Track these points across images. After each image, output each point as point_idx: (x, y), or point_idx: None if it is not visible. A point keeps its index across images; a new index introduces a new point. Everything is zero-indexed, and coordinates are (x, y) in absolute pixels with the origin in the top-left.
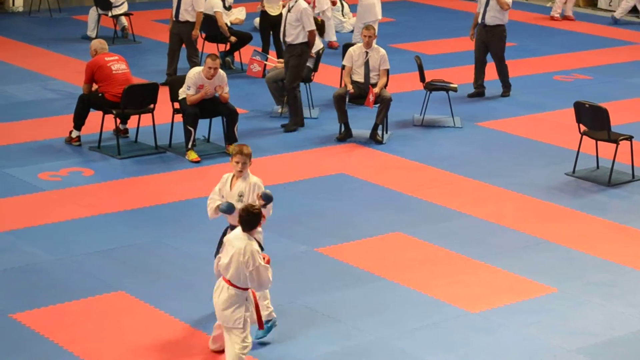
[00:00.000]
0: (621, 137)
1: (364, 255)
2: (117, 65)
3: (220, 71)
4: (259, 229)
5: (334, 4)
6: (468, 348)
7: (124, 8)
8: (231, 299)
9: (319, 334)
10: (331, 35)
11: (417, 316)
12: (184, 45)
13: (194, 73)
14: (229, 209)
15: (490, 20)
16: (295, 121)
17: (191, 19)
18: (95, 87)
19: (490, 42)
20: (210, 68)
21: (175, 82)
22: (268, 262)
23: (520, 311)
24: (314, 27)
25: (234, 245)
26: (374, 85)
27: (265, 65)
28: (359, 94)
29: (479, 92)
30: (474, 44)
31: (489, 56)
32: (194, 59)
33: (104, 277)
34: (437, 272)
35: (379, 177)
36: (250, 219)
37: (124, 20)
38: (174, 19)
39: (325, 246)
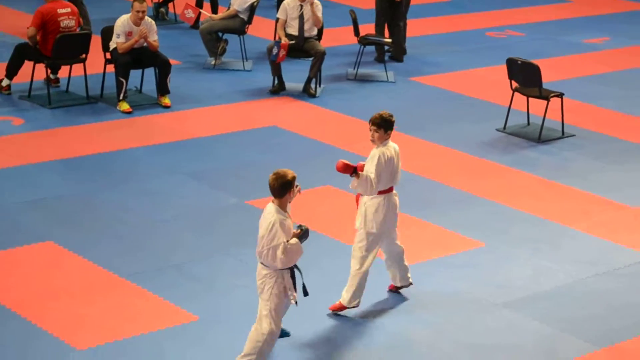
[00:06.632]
0: (552, 94)
1: (294, 208)
2: (67, 22)
3: (148, 18)
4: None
5: None
6: (393, 299)
7: None
8: None
9: (246, 284)
10: None
11: (345, 268)
12: None
13: (122, 20)
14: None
15: None
16: None
17: None
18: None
19: None
20: (138, 12)
21: (107, 31)
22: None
23: (448, 265)
24: None
25: None
26: (308, 39)
27: (200, 13)
28: (293, 46)
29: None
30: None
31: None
32: None
33: (32, 227)
34: None
35: (311, 131)
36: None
37: None
38: None
39: (256, 199)
